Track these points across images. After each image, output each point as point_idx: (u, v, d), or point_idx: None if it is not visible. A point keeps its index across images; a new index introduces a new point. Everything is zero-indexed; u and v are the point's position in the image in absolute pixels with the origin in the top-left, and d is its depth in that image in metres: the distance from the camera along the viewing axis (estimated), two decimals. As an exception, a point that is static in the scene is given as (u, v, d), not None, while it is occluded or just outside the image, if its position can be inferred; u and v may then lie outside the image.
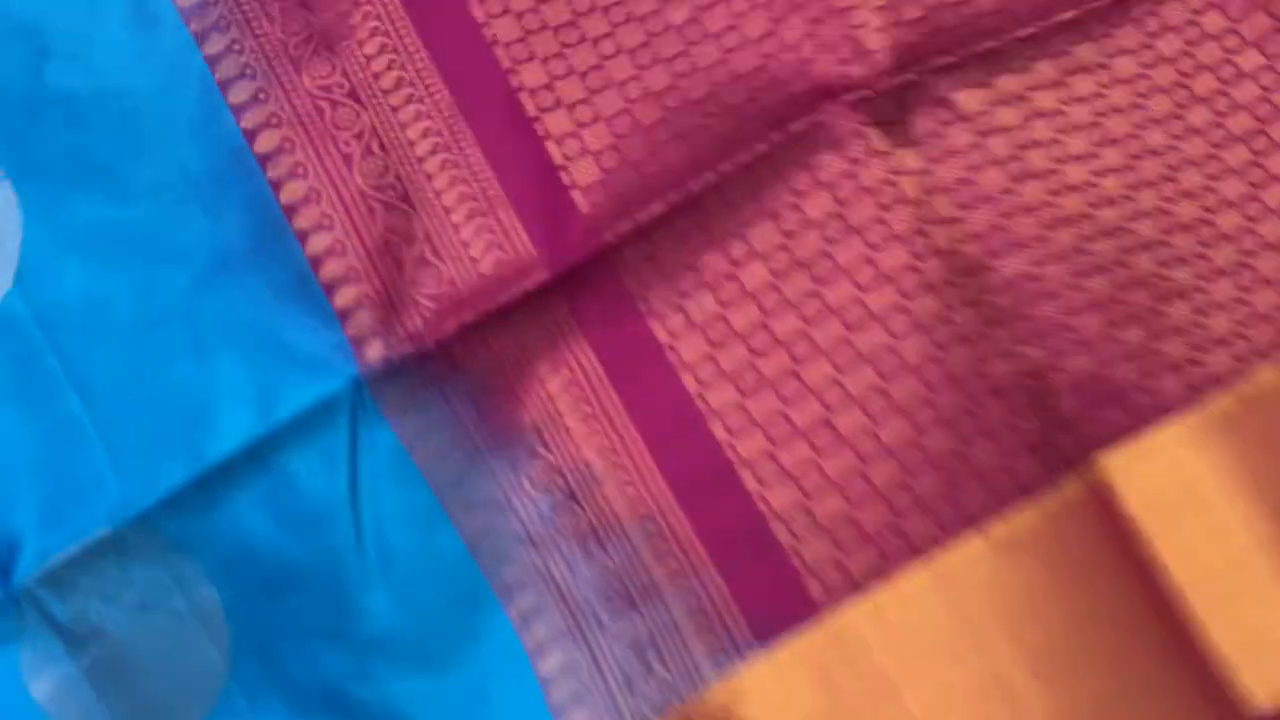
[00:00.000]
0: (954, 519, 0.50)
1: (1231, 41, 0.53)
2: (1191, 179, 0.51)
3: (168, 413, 0.52)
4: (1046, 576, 0.49)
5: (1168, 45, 0.53)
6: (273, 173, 0.53)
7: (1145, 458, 0.49)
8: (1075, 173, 0.51)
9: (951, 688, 0.49)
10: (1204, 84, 0.53)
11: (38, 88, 0.54)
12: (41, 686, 0.52)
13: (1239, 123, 0.52)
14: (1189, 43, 0.53)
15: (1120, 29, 0.53)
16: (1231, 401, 0.49)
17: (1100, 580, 0.49)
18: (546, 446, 0.52)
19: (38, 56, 0.55)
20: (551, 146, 0.53)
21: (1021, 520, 0.50)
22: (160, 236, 0.53)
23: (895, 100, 0.52)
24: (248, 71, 0.54)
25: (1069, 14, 0.53)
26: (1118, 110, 0.52)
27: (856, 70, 0.52)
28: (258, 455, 0.52)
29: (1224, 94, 0.53)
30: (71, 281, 0.54)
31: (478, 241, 0.53)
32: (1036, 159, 0.52)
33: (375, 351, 0.52)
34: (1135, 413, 0.49)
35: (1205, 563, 0.48)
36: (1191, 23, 0.54)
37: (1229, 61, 0.53)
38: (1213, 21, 0.53)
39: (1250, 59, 0.53)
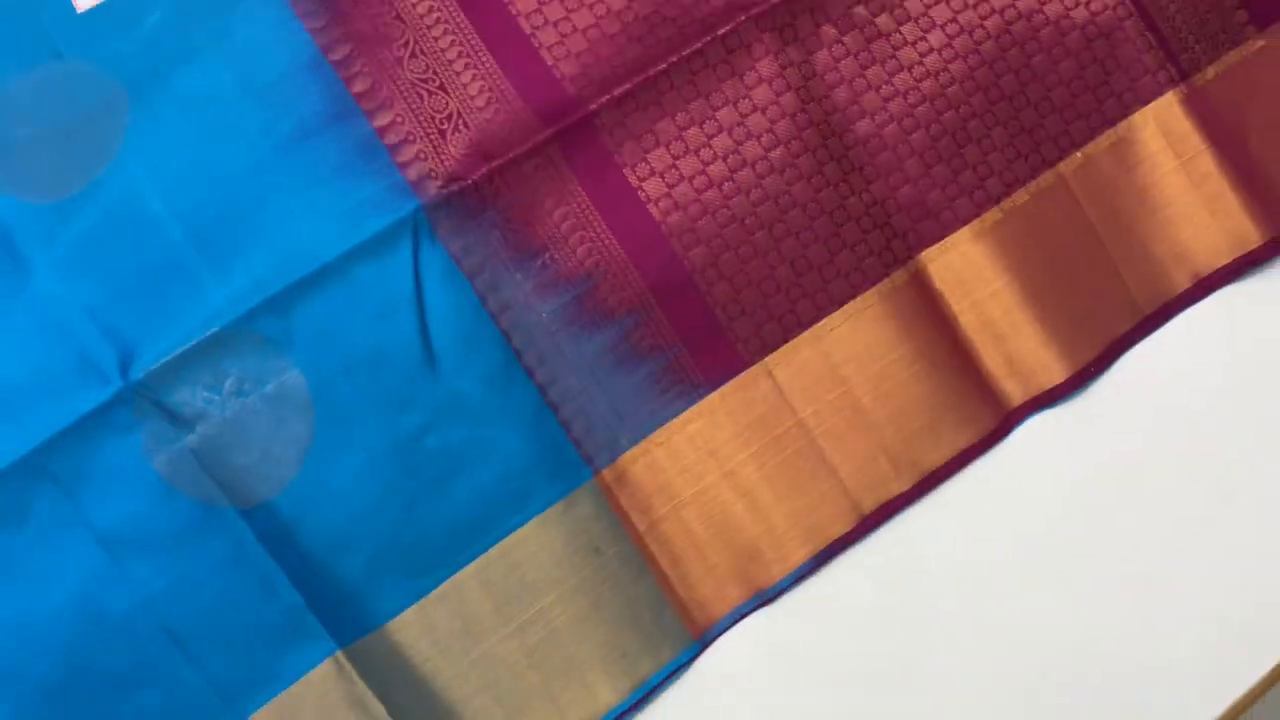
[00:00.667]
0: (828, 303, 0.74)
1: None
2: (989, 50, 0.76)
3: (264, 236, 0.67)
4: (885, 335, 0.75)
5: None
6: (343, 73, 0.70)
7: (946, 252, 0.76)
8: (906, 55, 0.76)
9: (823, 411, 0.74)
10: None
11: (158, 28, 0.69)
12: (160, 461, 0.66)
13: (1025, 4, 0.76)
14: None
15: None
16: (999, 214, 0.76)
17: (919, 334, 0.75)
18: (555, 260, 0.71)
19: (156, 7, 0.70)
20: (544, 52, 0.72)
21: (868, 299, 0.75)
22: (250, 115, 0.68)
23: (786, 10, 0.74)
24: (318, 7, 0.71)
25: None
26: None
27: (758, -12, 0.74)
28: (340, 267, 0.67)
29: None
30: (178, 147, 0.67)
31: (495, 115, 0.70)
32: (878, 49, 0.76)
33: (429, 190, 0.69)
34: (942, 224, 0.76)
35: (985, 314, 0.75)
36: None
37: None
38: None
39: None
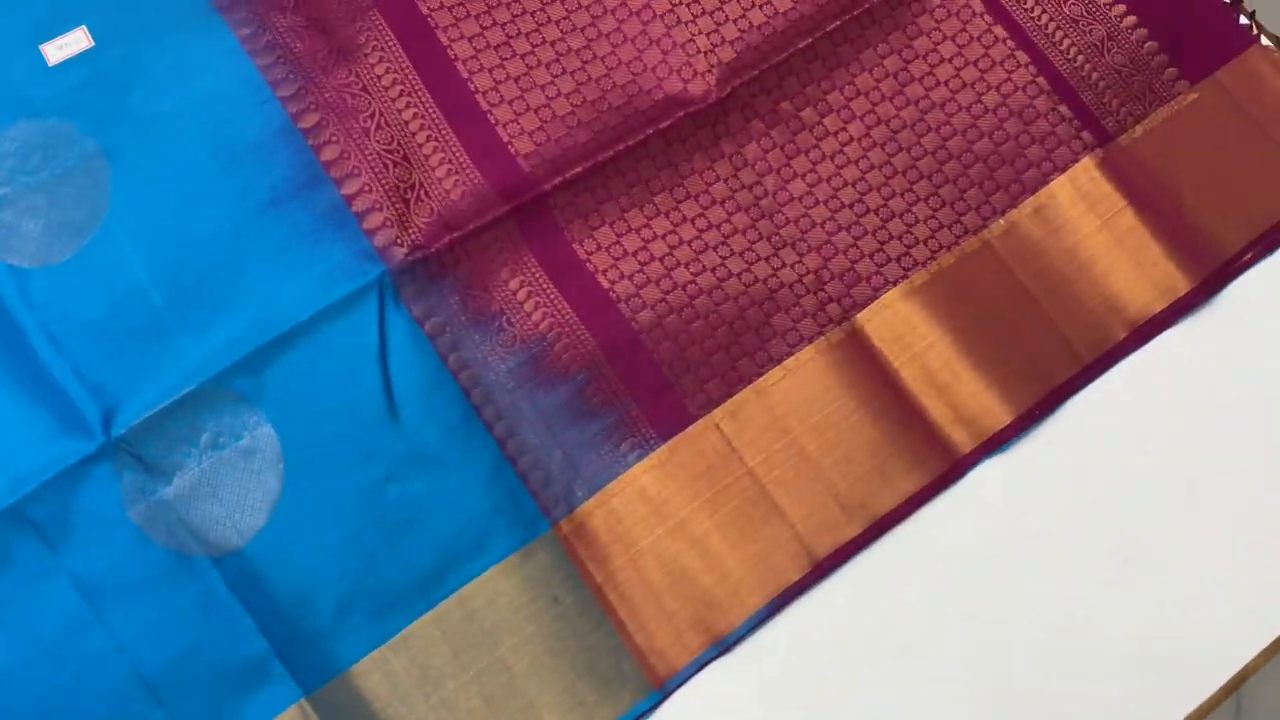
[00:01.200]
0: (767, 360, 0.79)
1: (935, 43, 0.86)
2: (906, 138, 0.83)
3: (239, 299, 0.74)
4: (824, 387, 0.78)
5: (896, 40, 0.85)
6: (313, 140, 0.78)
7: (881, 311, 0.80)
8: (829, 145, 0.83)
9: (771, 460, 0.76)
10: (918, 67, 0.85)
11: (134, 89, 0.77)
12: (137, 511, 0.71)
13: (939, 94, 0.84)
14: (908, 37, 0.85)
15: (869, 30, 0.85)
16: (927, 275, 0.81)
17: (860, 386, 0.78)
18: (511, 323, 0.77)
19: (132, 69, 0.77)
20: (500, 129, 0.80)
21: (805, 355, 0.79)
22: (225, 182, 0.76)
23: (719, 108, 0.83)
24: (290, 76, 0.79)
25: (834, 25, 0.84)
26: (861, 93, 0.84)
27: (694, 88, 0.82)
28: (310, 328, 0.74)
29: (929, 75, 0.84)
30: (158, 213, 0.75)
31: (455, 188, 0.78)
32: (803, 140, 0.83)
33: (394, 257, 0.76)
34: (873, 287, 0.80)
35: (925, 365, 0.79)
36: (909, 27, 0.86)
37: (935, 52, 0.85)
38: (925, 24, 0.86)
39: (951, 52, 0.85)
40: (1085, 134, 0.84)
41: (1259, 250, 0.82)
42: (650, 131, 0.81)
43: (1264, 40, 0.86)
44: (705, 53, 0.83)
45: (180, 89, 0.78)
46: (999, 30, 0.86)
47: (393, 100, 0.80)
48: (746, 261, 0.80)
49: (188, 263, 0.75)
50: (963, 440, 0.78)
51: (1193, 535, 0.75)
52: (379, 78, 0.80)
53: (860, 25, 0.86)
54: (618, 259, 0.79)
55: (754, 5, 0.85)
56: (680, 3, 0.84)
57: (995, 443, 0.77)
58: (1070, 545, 0.75)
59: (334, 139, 0.78)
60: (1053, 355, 0.80)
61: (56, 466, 0.70)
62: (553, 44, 0.83)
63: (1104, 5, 0.87)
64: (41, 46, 0.78)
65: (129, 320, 0.74)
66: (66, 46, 0.77)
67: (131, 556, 0.70)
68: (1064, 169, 0.83)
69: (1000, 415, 0.78)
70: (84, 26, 0.78)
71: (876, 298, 0.80)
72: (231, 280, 0.74)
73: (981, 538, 0.76)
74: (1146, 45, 0.86)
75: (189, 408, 0.72)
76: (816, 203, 0.82)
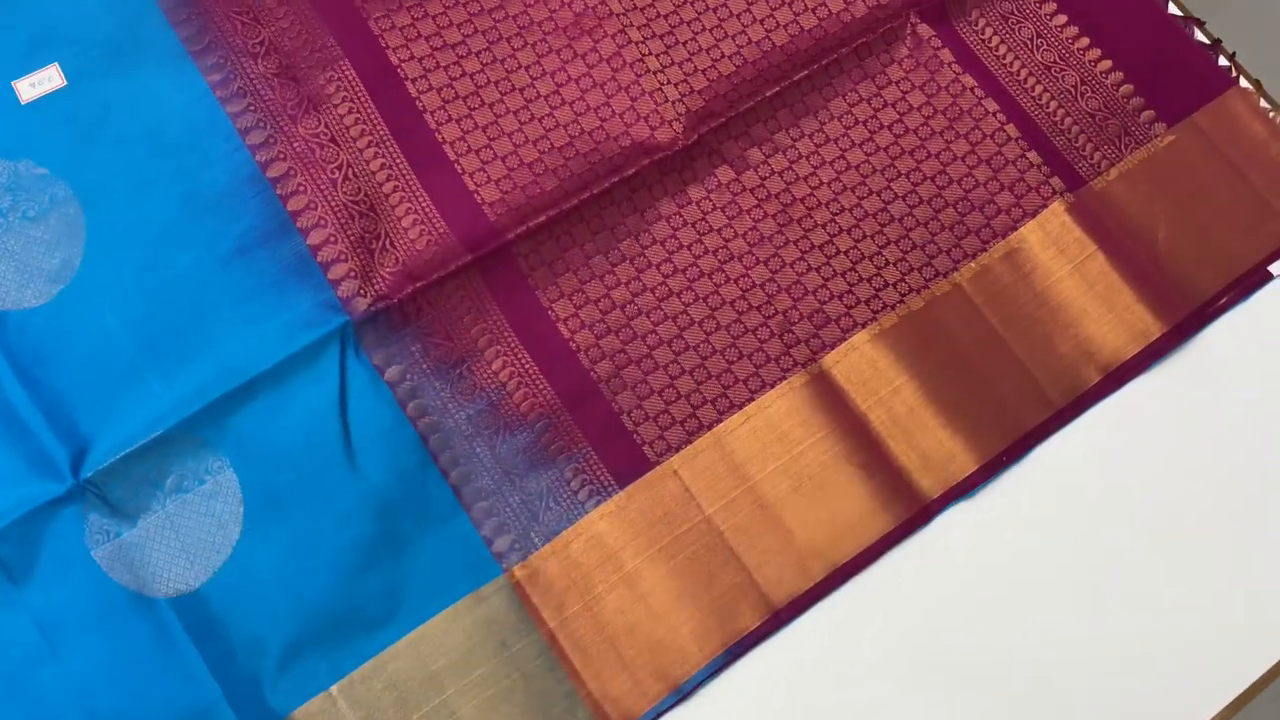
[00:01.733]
0: (729, 407, 0.78)
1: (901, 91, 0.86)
2: (876, 183, 0.83)
3: (206, 346, 0.76)
4: (786, 434, 0.78)
5: (865, 89, 0.86)
6: (280, 190, 0.80)
7: (848, 354, 0.80)
8: (798, 189, 0.83)
9: (729, 507, 0.75)
10: (887, 115, 0.85)
11: (105, 130, 0.80)
12: (100, 553, 0.72)
13: (908, 142, 0.84)
14: (877, 86, 0.86)
15: (837, 79, 0.86)
16: (895, 318, 0.80)
17: (824, 431, 0.78)
18: (472, 371, 0.78)
19: (104, 110, 0.80)
20: (466, 178, 0.82)
21: (767, 401, 0.78)
22: (194, 229, 0.78)
23: (686, 155, 0.83)
24: (259, 124, 0.81)
25: (802, 74, 0.85)
26: (830, 140, 0.84)
27: (661, 135, 0.83)
28: (274, 376, 0.75)
29: (899, 123, 0.84)
30: (128, 263, 0.77)
31: (420, 238, 0.80)
32: (772, 185, 0.83)
33: (357, 307, 0.77)
34: (842, 329, 0.80)
35: (891, 410, 0.78)
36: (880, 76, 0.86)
37: (904, 100, 0.85)
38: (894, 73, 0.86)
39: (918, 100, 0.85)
40: (1055, 179, 0.83)
41: (1234, 294, 0.80)
42: (615, 179, 0.82)
43: (1243, 82, 0.85)
44: (674, 101, 0.84)
45: (152, 135, 0.80)
46: (967, 79, 0.86)
47: (360, 151, 0.82)
48: (710, 307, 0.80)
49: (157, 310, 0.77)
50: (929, 487, 0.76)
51: (1163, 583, 0.73)
52: (347, 128, 0.82)
53: (828, 74, 0.86)
54: (579, 307, 0.80)
55: (723, 55, 0.86)
56: (650, 53, 0.86)
57: (962, 489, 0.76)
58: (1036, 592, 0.73)
59: (301, 188, 0.80)
60: (1023, 399, 0.78)
61: (24, 507, 0.72)
62: (521, 90, 0.84)
63: (1078, 51, 0.87)
64: (14, 83, 0.80)
65: (100, 365, 0.76)
66: (39, 84, 0.80)
67: (92, 595, 0.71)
68: (1034, 214, 0.83)
69: (966, 462, 0.76)
70: (57, 64, 0.81)
71: (845, 339, 0.80)
72: (199, 328, 0.76)
73: (946, 584, 0.74)
74: (1122, 89, 0.86)
75: (155, 452, 0.74)
76: (787, 242, 0.82)
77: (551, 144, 0.83)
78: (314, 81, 0.83)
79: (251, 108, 0.82)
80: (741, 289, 0.81)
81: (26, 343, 0.75)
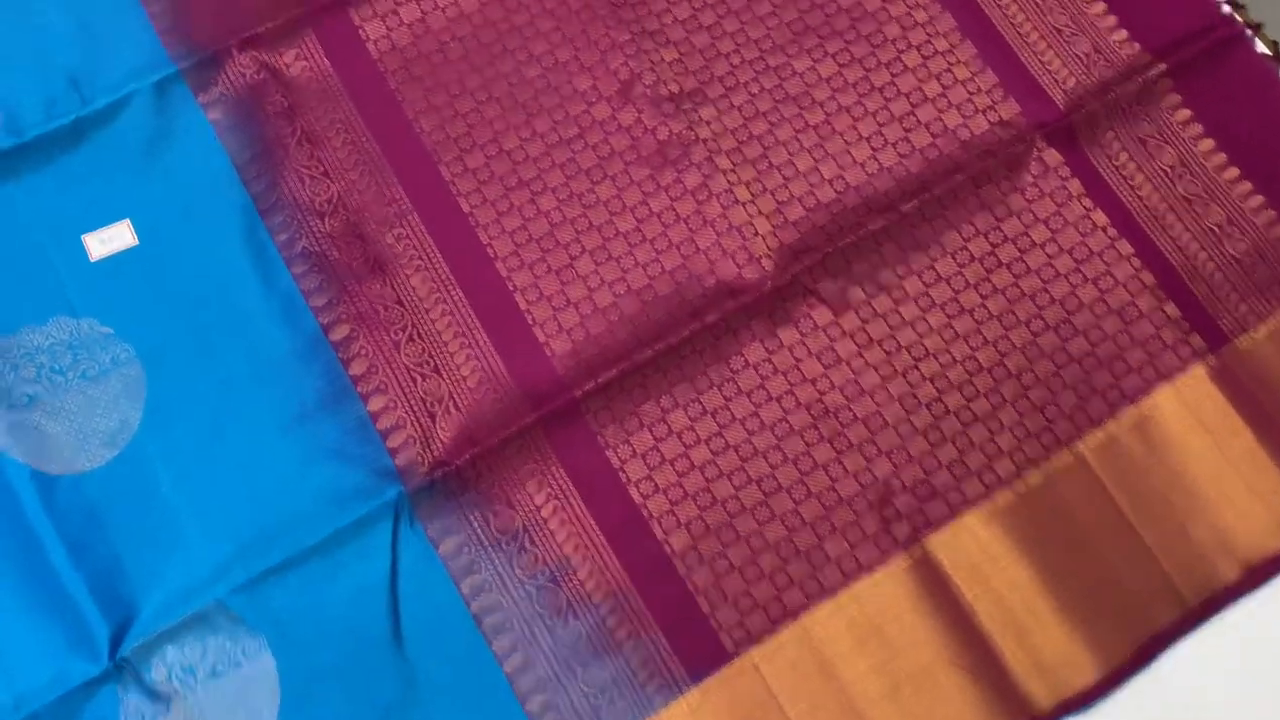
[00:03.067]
0: (818, 591, 0.70)
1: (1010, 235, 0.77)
2: (992, 330, 0.75)
3: (258, 516, 0.70)
4: (880, 628, 0.70)
5: (983, 221, 0.77)
6: (342, 354, 0.74)
7: (957, 535, 0.71)
8: (905, 335, 0.75)
9: (816, 711, 0.68)
10: (1006, 252, 0.76)
11: (171, 291, 0.75)
12: (135, 733, 0.68)
13: (1029, 284, 0.76)
14: (997, 219, 0.77)
15: (951, 209, 0.77)
16: (1012, 496, 0.72)
17: (928, 627, 0.69)
18: (534, 543, 0.71)
19: (172, 271, 0.75)
20: (537, 329, 0.75)
21: (863, 587, 0.70)
22: (255, 395, 0.73)
23: (776, 296, 0.75)
24: (323, 286, 0.75)
25: (911, 204, 0.77)
26: (942, 279, 0.76)
27: (749, 274, 0.76)
28: (322, 549, 0.70)
29: (1019, 261, 0.76)
30: (187, 429, 0.72)
31: (484, 396, 0.73)
32: (875, 329, 0.75)
33: (415, 476, 0.71)
34: (950, 506, 0.72)
35: (1004, 604, 0.69)
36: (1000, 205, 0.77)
37: (1026, 235, 0.77)
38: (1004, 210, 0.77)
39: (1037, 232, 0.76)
40: (1195, 337, 0.74)
41: (1406, 487, 0.70)
42: (696, 325, 0.75)
43: None
44: (765, 235, 0.76)
45: (218, 298, 0.75)
46: (1099, 216, 0.77)
47: (427, 310, 0.75)
48: (801, 470, 0.72)
49: (214, 478, 0.71)
50: (1041, 694, 0.68)
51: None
52: (414, 289, 0.76)
53: (941, 205, 0.77)
54: (653, 468, 0.73)
55: (823, 180, 0.78)
56: (739, 181, 0.78)
57: (1079, 701, 0.68)
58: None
59: (363, 351, 0.75)
60: (1151, 596, 0.69)
61: (62, 687, 0.67)
62: (599, 228, 0.77)
63: (1226, 183, 0.77)
64: (85, 237, 0.76)
65: (149, 533, 0.71)
66: (109, 241, 0.76)
67: (126, 785, 0.67)
68: (1169, 377, 0.73)
69: (1086, 669, 0.68)
70: (128, 220, 0.77)
71: (954, 517, 0.71)
72: (253, 497, 0.71)
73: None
74: (1275, 229, 0.75)
75: (194, 628, 0.69)
76: (890, 399, 0.74)
77: (629, 286, 0.76)
78: (381, 240, 0.77)
79: (315, 268, 0.76)
80: (836, 450, 0.73)
81: (76, 508, 0.71)
